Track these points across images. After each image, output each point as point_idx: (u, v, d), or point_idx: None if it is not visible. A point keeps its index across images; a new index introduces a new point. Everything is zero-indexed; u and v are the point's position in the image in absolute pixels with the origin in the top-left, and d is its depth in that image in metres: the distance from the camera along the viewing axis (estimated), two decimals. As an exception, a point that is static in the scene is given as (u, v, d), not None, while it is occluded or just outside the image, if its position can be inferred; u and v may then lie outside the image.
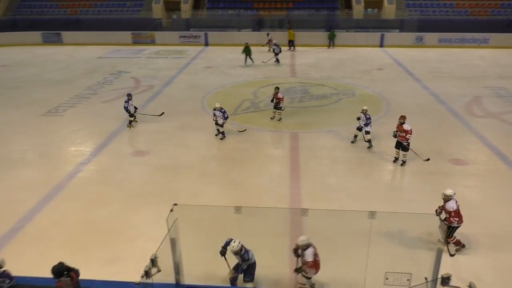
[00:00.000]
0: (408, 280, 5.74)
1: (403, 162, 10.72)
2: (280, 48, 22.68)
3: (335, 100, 16.39)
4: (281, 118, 13.84)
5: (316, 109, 15.34)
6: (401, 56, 24.67)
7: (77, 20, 30.51)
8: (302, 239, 6.14)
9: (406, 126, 10.44)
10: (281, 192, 9.45)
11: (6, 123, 14.08)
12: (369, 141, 11.59)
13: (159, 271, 5.83)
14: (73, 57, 25.19)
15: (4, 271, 5.35)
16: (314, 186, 9.79)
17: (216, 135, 12.56)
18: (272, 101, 13.87)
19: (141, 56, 25.29)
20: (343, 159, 11.33)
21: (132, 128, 13.39)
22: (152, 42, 28.85)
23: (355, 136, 12.03)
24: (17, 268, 5.66)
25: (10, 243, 7.79)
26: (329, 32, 27.43)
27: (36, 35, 29.21)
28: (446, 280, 4.86)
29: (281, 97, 13.65)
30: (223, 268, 6.50)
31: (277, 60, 22.58)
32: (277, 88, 13.85)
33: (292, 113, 14.79)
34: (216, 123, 12.35)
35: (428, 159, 10.71)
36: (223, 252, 6.31)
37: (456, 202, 7.10)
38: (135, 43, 28.96)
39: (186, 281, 6.04)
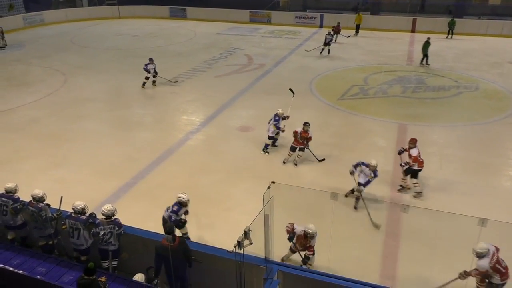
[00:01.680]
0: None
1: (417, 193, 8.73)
2: (332, 37, 20.38)
3: (454, 93, 15.00)
4: (296, 164, 10.00)
5: (430, 101, 14.22)
6: (542, 49, 21.53)
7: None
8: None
9: (413, 151, 8.53)
10: (381, 185, 9.04)
11: (132, 88, 15.62)
12: (358, 191, 8.06)
13: (251, 243, 6.03)
14: (194, 31, 26.75)
15: (116, 219, 6.02)
16: (419, 183, 9.17)
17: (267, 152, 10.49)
18: (299, 138, 9.69)
19: (256, 35, 25.85)
20: (455, 158, 10.40)
21: (144, 88, 15.35)
22: (268, 22, 29.26)
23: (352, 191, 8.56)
24: (127, 218, 6.32)
25: (124, 196, 8.72)
26: (449, 20, 24.57)
27: (165, 9, 31.58)
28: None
29: (310, 136, 9.74)
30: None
31: (327, 51, 20.17)
32: (307, 124, 9.70)
33: (404, 103, 13.92)
34: (269, 137, 10.35)
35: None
36: None
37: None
38: (252, 21, 29.66)
39: (275, 258, 6.16)
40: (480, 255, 5.69)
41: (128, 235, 6.10)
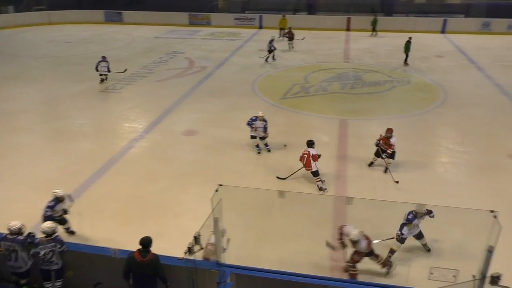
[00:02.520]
0: (454, 276, 5.49)
1: (387, 169, 9.60)
2: (271, 44, 19.18)
3: (389, 87, 15.81)
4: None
5: (368, 96, 14.89)
6: (464, 43, 23.25)
7: (138, 0, 31.38)
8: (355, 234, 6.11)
9: (393, 140, 9.44)
10: (327, 179, 9.33)
11: (68, 97, 14.90)
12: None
13: (201, 248, 6.00)
14: (132, 36, 26.05)
15: (57, 236, 5.70)
16: (360, 175, 9.58)
17: (258, 153, 10.65)
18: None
19: (196, 37, 25.66)
20: (393, 149, 10.96)
21: (101, 83, 15.96)
22: (208, 24, 29.14)
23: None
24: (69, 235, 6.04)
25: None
26: (372, 18, 25.67)
27: (99, 13, 30.44)
28: (495, 279, 4.61)
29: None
30: (263, 250, 6.57)
31: (272, 57, 19.36)
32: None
33: (343, 99, 14.46)
34: (254, 137, 10.56)
35: (397, 182, 9.26)
36: None
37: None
38: (191, 24, 29.39)
39: (227, 261, 6.16)
40: (356, 241, 6.17)
41: (72, 252, 5.81)
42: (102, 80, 16.07)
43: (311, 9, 29.16)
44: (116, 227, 7.74)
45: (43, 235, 5.66)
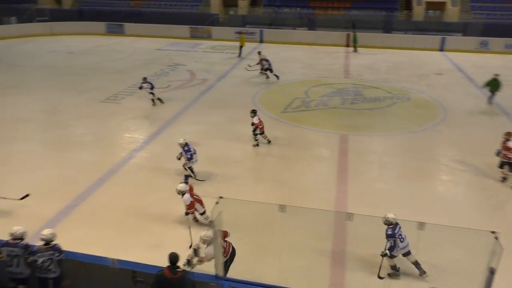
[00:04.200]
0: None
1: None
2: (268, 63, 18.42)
3: (389, 103, 15.90)
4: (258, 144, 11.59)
5: (368, 112, 14.96)
6: (462, 61, 23.48)
7: (139, 12, 31.70)
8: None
9: (511, 144, 9.58)
10: (327, 194, 9.31)
11: (69, 107, 14.92)
12: None
13: (200, 261, 5.95)
14: (133, 48, 26.21)
15: (55, 244, 5.64)
16: (361, 191, 9.56)
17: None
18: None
19: (197, 50, 25.85)
20: (393, 165, 10.97)
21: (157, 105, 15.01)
22: (209, 37, 29.40)
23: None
24: (67, 243, 5.96)
25: (64, 219, 8.25)
26: (353, 34, 25.87)
27: (101, 25, 30.69)
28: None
29: (256, 122, 11.43)
30: (263, 264, 6.51)
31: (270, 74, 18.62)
32: (253, 111, 11.62)
33: (343, 114, 14.52)
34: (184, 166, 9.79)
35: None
36: None
37: None
38: (192, 37, 29.64)
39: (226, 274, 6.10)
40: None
41: (70, 261, 5.75)
42: (153, 101, 14.97)
43: (311, 25, 29.48)
44: (115, 237, 7.67)
45: (42, 243, 5.60)
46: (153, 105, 14.99)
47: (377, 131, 13.14)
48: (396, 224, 6.57)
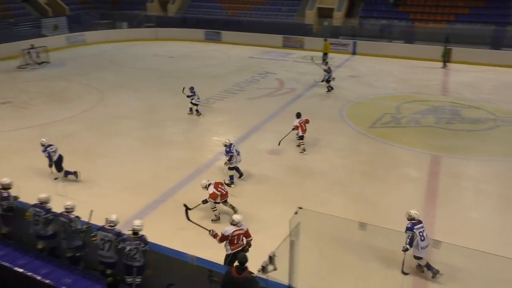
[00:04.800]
0: None
1: None
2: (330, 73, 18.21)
3: (491, 126, 14.54)
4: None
5: (466, 133, 13.83)
6: None
7: (237, 21, 32.96)
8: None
9: None
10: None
11: (165, 107, 15.99)
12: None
13: (275, 269, 5.94)
14: (227, 55, 27.30)
15: (142, 235, 6.05)
16: (451, 218, 8.86)
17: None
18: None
19: (288, 60, 26.12)
20: (491, 194, 9.99)
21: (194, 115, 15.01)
22: (301, 47, 29.53)
23: None
24: (152, 235, 6.34)
25: (152, 213, 8.81)
26: (443, 48, 23.71)
27: (200, 32, 32.47)
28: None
29: (295, 124, 11.94)
30: (336, 281, 6.32)
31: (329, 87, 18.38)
32: (298, 114, 12.29)
33: (437, 134, 13.60)
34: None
35: None
36: None
37: None
38: (285, 46, 30.01)
39: (299, 285, 6.03)
40: None
41: (153, 252, 6.12)
42: (191, 110, 15.02)
43: (409, 38, 28.14)
44: (193, 236, 7.99)
45: (130, 232, 6.04)
46: (189, 113, 14.95)
47: (475, 155, 12.09)
48: (419, 221, 6.93)
